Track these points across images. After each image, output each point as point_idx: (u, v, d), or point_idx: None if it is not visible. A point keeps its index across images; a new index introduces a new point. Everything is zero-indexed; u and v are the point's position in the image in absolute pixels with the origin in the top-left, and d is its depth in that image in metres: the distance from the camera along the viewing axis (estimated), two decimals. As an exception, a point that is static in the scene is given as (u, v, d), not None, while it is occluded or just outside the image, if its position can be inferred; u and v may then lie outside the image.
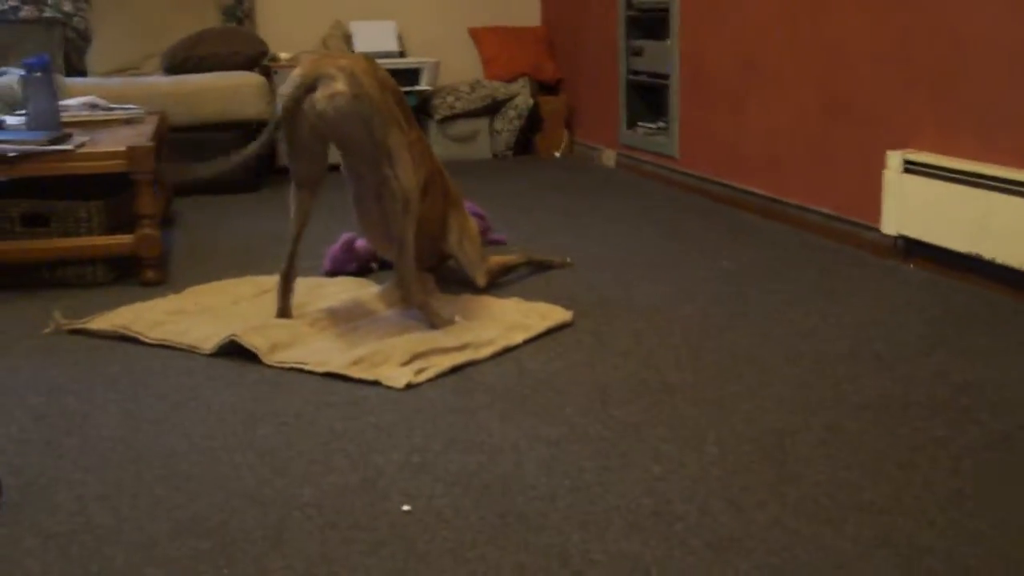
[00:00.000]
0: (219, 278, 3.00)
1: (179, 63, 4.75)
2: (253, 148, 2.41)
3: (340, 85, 2.30)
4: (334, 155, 2.48)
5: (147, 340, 2.45)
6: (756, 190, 3.82)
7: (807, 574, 1.35)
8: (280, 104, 2.35)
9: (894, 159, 2.93)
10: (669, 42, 4.43)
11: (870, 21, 3.11)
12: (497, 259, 2.90)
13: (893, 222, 2.95)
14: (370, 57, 2.46)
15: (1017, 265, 2.51)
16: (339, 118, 2.31)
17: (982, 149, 2.71)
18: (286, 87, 2.34)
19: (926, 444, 1.74)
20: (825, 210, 3.40)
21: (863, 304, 2.58)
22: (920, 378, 2.05)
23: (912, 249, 2.94)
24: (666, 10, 4.46)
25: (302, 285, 2.76)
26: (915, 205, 2.85)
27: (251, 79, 4.64)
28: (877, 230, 3.07)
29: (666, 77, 4.50)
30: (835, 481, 1.61)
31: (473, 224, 2.82)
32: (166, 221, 3.85)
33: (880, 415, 1.87)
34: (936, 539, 1.42)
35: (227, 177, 4.44)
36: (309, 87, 2.31)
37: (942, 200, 2.75)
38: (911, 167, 2.87)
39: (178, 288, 2.90)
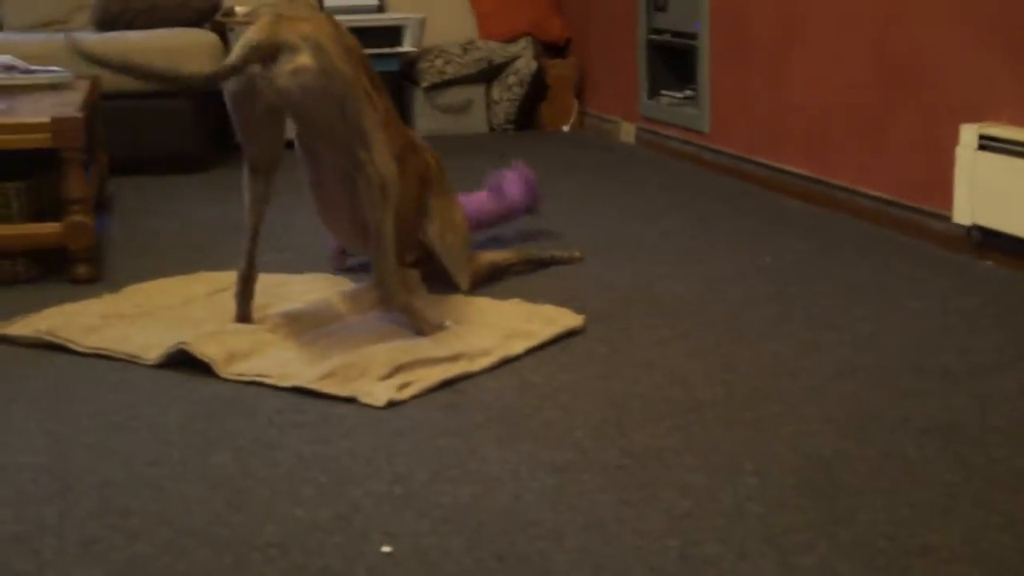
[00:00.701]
0: (164, 274, 3.00)
1: (113, 17, 4.74)
2: (197, 74, 2.41)
3: (305, 58, 2.28)
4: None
5: (78, 348, 2.45)
6: (800, 171, 3.83)
7: (863, 630, 1.35)
8: (226, 69, 2.31)
9: (968, 134, 2.94)
10: (698, -5, 4.43)
11: (937, -29, 3.12)
12: (488, 256, 2.89)
13: (966, 209, 2.96)
14: (332, 17, 2.45)
15: (1111, 261, 2.51)
16: (305, 97, 2.30)
17: (1070, 124, 2.71)
18: (236, 53, 2.31)
19: (1005, 477, 1.74)
20: (882, 194, 3.40)
21: (928, 308, 2.59)
22: (998, 397, 2.06)
23: (989, 242, 2.94)
24: (695, -43, 4.46)
25: (263, 283, 2.74)
26: (993, 189, 2.86)
27: (201, 37, 4.64)
28: (946, 219, 3.07)
29: (694, 37, 4.50)
30: (895, 520, 1.61)
31: (461, 213, 2.81)
32: (100, 206, 3.84)
33: (950, 441, 1.88)
34: (1016, 589, 1.43)
35: (169, 136, 4.44)
36: (266, 56, 2.29)
37: None
38: (988, 144, 2.88)
39: (115, 286, 2.90)
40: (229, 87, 2.36)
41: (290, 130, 2.47)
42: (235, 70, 2.30)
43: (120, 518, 1.70)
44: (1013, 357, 2.25)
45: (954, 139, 3.02)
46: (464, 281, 2.74)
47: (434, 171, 2.76)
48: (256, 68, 2.29)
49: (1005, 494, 1.69)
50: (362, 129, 2.35)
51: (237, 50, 2.31)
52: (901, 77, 3.30)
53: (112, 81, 4.41)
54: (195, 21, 4.84)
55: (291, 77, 2.29)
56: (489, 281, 2.86)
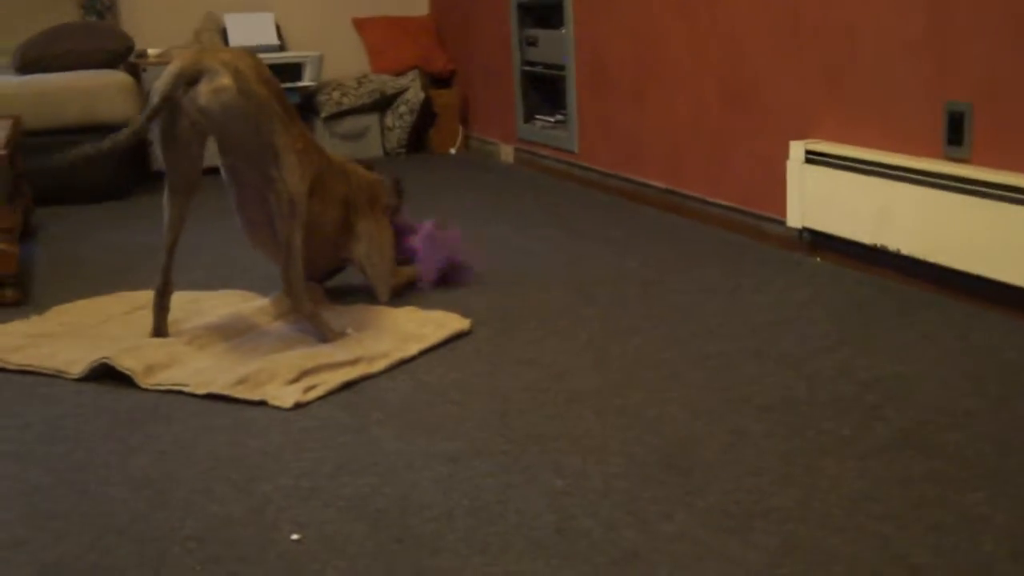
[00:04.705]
0: (87, 296, 2.93)
1: (33, 61, 4.61)
2: (120, 136, 2.33)
3: (225, 80, 2.28)
4: (211, 157, 2.45)
5: (6, 366, 2.38)
6: (657, 183, 3.89)
7: (714, 586, 1.39)
8: (155, 97, 2.30)
9: (796, 149, 3.02)
10: (564, 31, 4.47)
11: (766, 9, 3.20)
12: (406, 271, 2.89)
13: (797, 214, 3.04)
14: (252, 53, 2.44)
15: (921, 256, 2.61)
16: (223, 114, 2.29)
17: (883, 138, 2.81)
18: (162, 80, 2.31)
19: (832, 445, 1.80)
20: (728, 203, 3.48)
21: (769, 301, 2.65)
22: (826, 376, 2.12)
23: (817, 242, 3.03)
24: (560, -2, 4.51)
25: (179, 300, 2.70)
26: (818, 196, 2.95)
27: (116, 78, 4.53)
28: (782, 223, 3.15)
29: (562, 68, 4.55)
30: (741, 488, 1.66)
31: (390, 236, 2.81)
32: (26, 234, 3.73)
33: (786, 416, 1.93)
34: (843, 545, 1.48)
35: (93, 171, 4.33)
36: (189, 80, 2.29)
37: (845, 190, 2.84)
38: (813, 157, 2.96)
39: (41, 308, 2.82)
40: (156, 108, 2.33)
41: (217, 158, 2.45)
42: (167, 99, 2.28)
43: (47, 520, 1.66)
44: (837, 341, 2.32)
45: (785, 154, 3.11)
46: (384, 295, 2.74)
47: (362, 196, 2.75)
48: (180, 92, 2.28)
49: (833, 460, 1.74)
50: (274, 148, 2.34)
51: (165, 78, 2.30)
52: (741, 101, 3.38)
53: (33, 119, 4.31)
54: (110, 63, 4.72)
55: (212, 96, 2.28)
56: (405, 291, 2.85)
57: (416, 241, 2.91)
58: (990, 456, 1.73)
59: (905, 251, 2.66)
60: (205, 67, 2.30)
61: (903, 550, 1.45)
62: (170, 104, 2.30)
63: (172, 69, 2.31)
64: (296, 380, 2.20)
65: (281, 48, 5.48)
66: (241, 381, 2.19)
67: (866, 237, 2.78)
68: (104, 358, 2.28)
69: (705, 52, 3.54)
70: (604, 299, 2.75)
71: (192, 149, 2.37)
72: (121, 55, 4.79)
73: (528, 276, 3.00)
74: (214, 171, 2.55)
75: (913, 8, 2.65)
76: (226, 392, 2.16)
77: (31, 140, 4.12)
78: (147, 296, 2.74)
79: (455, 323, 2.53)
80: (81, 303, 2.84)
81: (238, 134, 2.32)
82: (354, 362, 2.28)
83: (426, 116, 5.59)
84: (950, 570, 1.40)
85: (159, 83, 2.32)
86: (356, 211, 2.73)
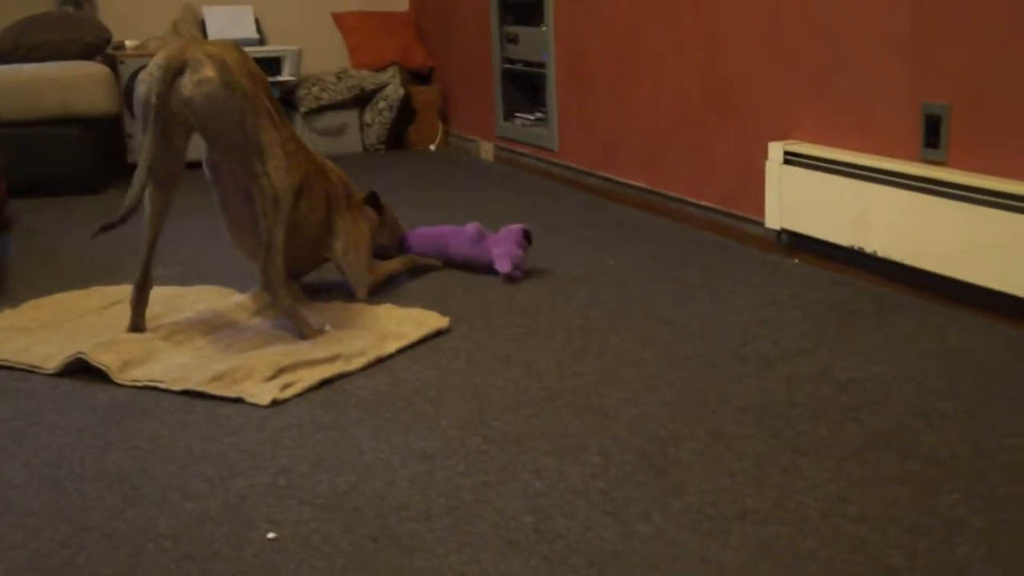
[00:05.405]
0: (62, 290, 2.90)
1: (7, 52, 4.57)
2: (141, 172, 2.29)
3: (209, 71, 2.27)
4: (195, 152, 2.43)
5: (-20, 361, 2.36)
6: (637, 183, 3.90)
7: (691, 587, 1.39)
8: (143, 93, 2.28)
9: (775, 150, 3.03)
10: (544, 28, 4.47)
11: (748, 9, 3.20)
12: (384, 267, 2.88)
13: (776, 215, 3.05)
14: (240, 47, 2.43)
15: (897, 258, 2.62)
16: (207, 106, 2.27)
17: (861, 140, 2.82)
18: (148, 74, 2.29)
19: (808, 447, 1.81)
20: (707, 204, 3.49)
21: (747, 302, 2.66)
22: (803, 377, 2.13)
23: (795, 243, 3.04)
24: (541, -4, 4.51)
25: (158, 295, 2.69)
26: (796, 198, 2.96)
27: (92, 69, 4.49)
28: (760, 224, 3.16)
29: (542, 66, 4.55)
30: (718, 489, 1.66)
31: (366, 232, 2.80)
32: (0, 226, 3.70)
33: (763, 418, 1.94)
34: (818, 546, 1.48)
35: (68, 161, 4.31)
36: (175, 72, 2.27)
37: (823, 192, 2.85)
38: (792, 159, 2.97)
39: (15, 302, 2.79)
40: (139, 99, 2.31)
41: (200, 152, 2.43)
42: (163, 97, 2.26)
43: (20, 517, 1.64)
44: (815, 343, 2.33)
45: (764, 154, 3.12)
46: (361, 292, 2.74)
47: (340, 192, 2.74)
48: (168, 81, 2.27)
49: (809, 461, 1.75)
50: (259, 143, 2.33)
51: (154, 73, 2.28)
52: (721, 102, 3.39)
53: (7, 110, 4.27)
54: (86, 54, 4.68)
55: (195, 87, 2.26)
56: (383, 288, 2.85)
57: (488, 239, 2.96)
58: (966, 458, 1.74)
59: (882, 253, 2.67)
60: (190, 59, 2.28)
61: (879, 552, 1.46)
62: (166, 100, 2.28)
63: (159, 62, 2.28)
64: (273, 377, 2.19)
65: (260, 42, 5.45)
66: (218, 377, 2.18)
67: (843, 239, 2.80)
68: (79, 353, 2.26)
69: (686, 52, 3.54)
70: (583, 298, 2.75)
71: (175, 142, 2.35)
72: (98, 47, 4.75)
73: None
74: (196, 165, 2.53)
75: (894, 9, 2.66)
76: (202, 389, 2.15)
77: (5, 131, 4.09)
78: (123, 291, 2.72)
79: (434, 321, 2.52)
80: (56, 297, 2.81)
81: (222, 127, 2.30)
82: (332, 359, 2.28)
83: (406, 112, 5.57)
84: (926, 572, 1.40)
85: (145, 76, 2.29)
86: (335, 208, 2.72)
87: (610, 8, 3.98)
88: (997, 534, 1.50)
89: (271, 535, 1.56)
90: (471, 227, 2.99)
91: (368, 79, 5.49)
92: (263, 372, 2.19)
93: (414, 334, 2.44)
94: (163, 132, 2.32)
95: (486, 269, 2.98)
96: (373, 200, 2.97)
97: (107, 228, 2.30)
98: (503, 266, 2.89)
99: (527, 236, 2.96)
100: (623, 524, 1.56)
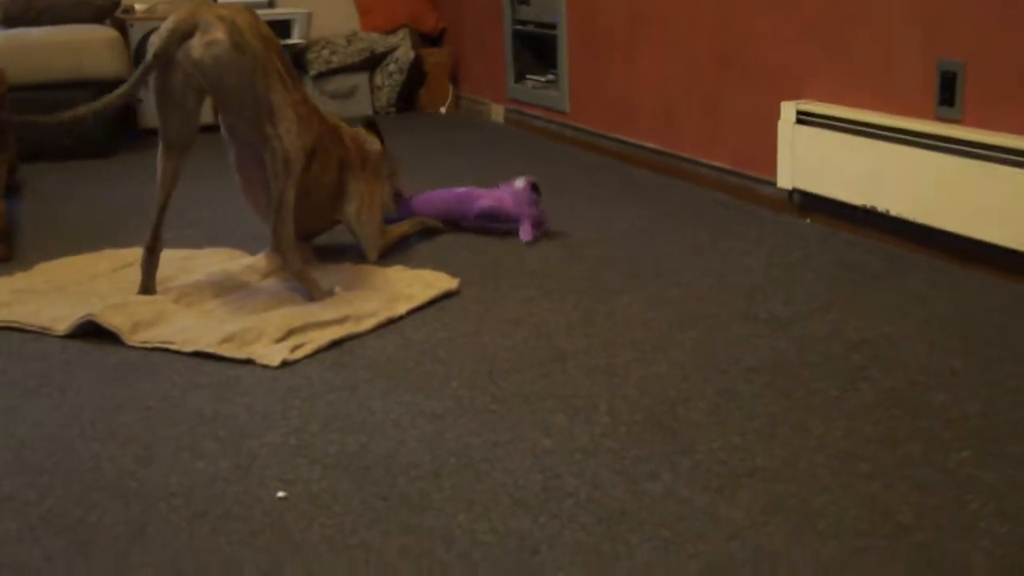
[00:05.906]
0: (73, 253, 2.91)
1: (17, 15, 4.56)
2: (112, 97, 2.31)
3: (220, 33, 2.27)
4: (208, 114, 2.43)
5: (-8, 323, 2.37)
6: (649, 144, 3.87)
7: (699, 546, 1.39)
8: (151, 52, 2.28)
9: (787, 110, 3.00)
10: (556, -11, 4.43)
11: (761, -33, 3.17)
12: (396, 230, 2.88)
13: (788, 175, 3.03)
14: (252, 10, 2.42)
15: (911, 217, 2.60)
16: (217, 68, 2.27)
17: (875, 99, 2.79)
18: (158, 35, 2.29)
19: (819, 406, 1.80)
20: (720, 164, 3.47)
21: (759, 263, 2.65)
22: (815, 337, 2.12)
23: (808, 203, 3.02)
24: (552, -45, 4.46)
25: (168, 258, 2.69)
26: (809, 157, 2.93)
27: (101, 32, 4.48)
28: (772, 184, 3.14)
29: (554, 27, 4.51)
30: (728, 448, 1.66)
31: (379, 195, 2.80)
32: (11, 190, 3.71)
33: (774, 378, 1.93)
34: (828, 504, 1.48)
35: (81, 128, 4.30)
36: (184, 35, 2.27)
37: (836, 152, 2.83)
38: (804, 118, 2.94)
39: (26, 265, 2.80)
40: (151, 63, 2.31)
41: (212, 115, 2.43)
42: (160, 56, 2.26)
43: (33, 476, 1.65)
44: (826, 303, 2.32)
45: (776, 115, 3.09)
46: (372, 254, 2.74)
47: (353, 155, 2.73)
48: (175, 47, 2.27)
49: (819, 420, 1.75)
50: (270, 104, 2.32)
51: (161, 34, 2.28)
52: (734, 61, 3.35)
53: (17, 73, 4.26)
54: (96, 17, 4.67)
55: (205, 49, 2.27)
56: (395, 250, 2.85)
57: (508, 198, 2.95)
58: (976, 416, 1.73)
59: (895, 213, 2.65)
60: (200, 21, 2.28)
61: (889, 509, 1.46)
62: (163, 61, 2.28)
63: (168, 25, 2.29)
64: (283, 339, 2.19)
65: (270, 4, 5.42)
66: (228, 339, 2.18)
67: (856, 198, 2.77)
68: (90, 315, 2.26)
69: (699, 11, 3.50)
70: (593, 259, 2.74)
71: (187, 105, 2.34)
72: (107, 10, 4.73)
73: (517, 236, 2.98)
74: (211, 129, 2.52)
75: (908, -33, 2.63)
76: (212, 350, 2.15)
77: (16, 95, 4.08)
78: (134, 254, 2.72)
79: (443, 282, 2.52)
80: (67, 260, 2.82)
81: (232, 89, 2.30)
82: (342, 321, 2.28)
83: (416, 75, 5.54)
84: (936, 529, 1.40)
85: (155, 37, 2.29)
86: (349, 171, 2.71)
87: (621, -33, 3.94)
88: (1007, 491, 1.49)
89: (281, 494, 1.57)
90: (520, 182, 2.95)
91: (378, 42, 5.46)
92: (273, 334, 2.20)
93: (424, 295, 2.44)
94: (174, 95, 2.31)
95: (502, 232, 2.98)
96: (372, 126, 2.94)
97: (80, 116, 2.30)
98: (526, 235, 2.90)
99: (535, 188, 2.94)
100: (632, 482, 1.56)
